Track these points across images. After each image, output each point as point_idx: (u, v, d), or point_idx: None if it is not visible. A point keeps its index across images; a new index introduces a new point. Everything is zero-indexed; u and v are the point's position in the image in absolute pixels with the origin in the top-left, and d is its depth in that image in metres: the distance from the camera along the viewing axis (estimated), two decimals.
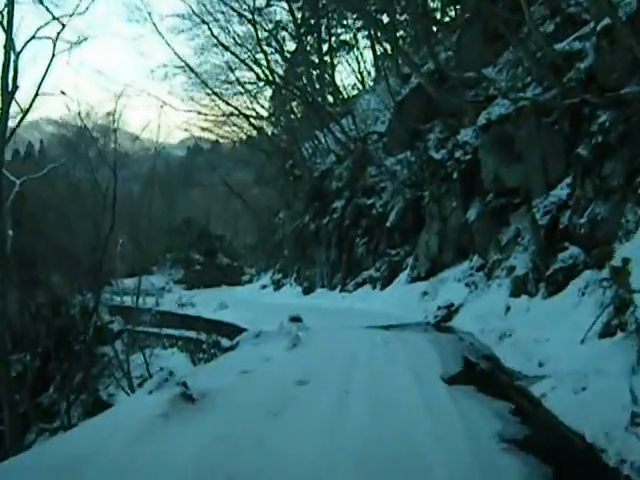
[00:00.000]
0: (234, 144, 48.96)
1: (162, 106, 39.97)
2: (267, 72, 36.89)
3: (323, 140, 33.94)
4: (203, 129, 44.16)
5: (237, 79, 36.83)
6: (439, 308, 18.82)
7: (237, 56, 35.64)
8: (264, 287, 41.18)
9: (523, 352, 10.94)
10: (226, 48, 35.18)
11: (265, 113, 40.30)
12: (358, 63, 53.02)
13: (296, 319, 16.25)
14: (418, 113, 25.77)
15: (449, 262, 22.97)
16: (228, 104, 38.22)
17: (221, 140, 52.34)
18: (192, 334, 25.73)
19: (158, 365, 22.63)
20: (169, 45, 61.88)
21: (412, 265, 24.66)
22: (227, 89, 38.40)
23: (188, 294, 43.85)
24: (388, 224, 26.88)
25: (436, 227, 23.42)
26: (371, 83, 40.19)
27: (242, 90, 37.73)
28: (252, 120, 39.55)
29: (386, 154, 29.05)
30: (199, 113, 39.82)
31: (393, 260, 26.25)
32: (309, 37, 38.77)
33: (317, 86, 37.85)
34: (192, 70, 36.15)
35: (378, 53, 38.62)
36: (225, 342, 21.12)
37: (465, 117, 22.00)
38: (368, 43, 38.98)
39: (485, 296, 17.67)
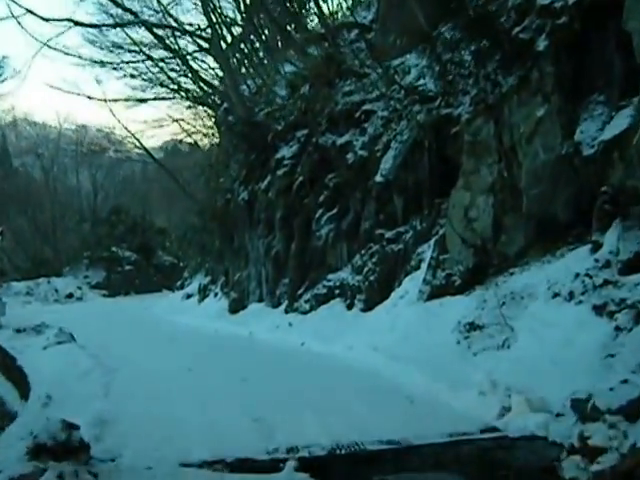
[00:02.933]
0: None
1: None
2: None
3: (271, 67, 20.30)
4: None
5: None
6: None
7: None
8: (189, 296, 27.78)
9: None
10: None
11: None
12: None
13: None
14: None
15: (525, 251, 9.80)
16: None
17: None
18: None
19: None
20: None
21: (432, 261, 11.46)
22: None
23: (77, 308, 30.21)
24: (378, 179, 13.54)
25: (489, 176, 10.33)
26: None
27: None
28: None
29: (374, 59, 15.47)
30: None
31: (388, 251, 13.01)
32: None
33: None
34: None
35: None
36: None
37: None
38: None
39: None
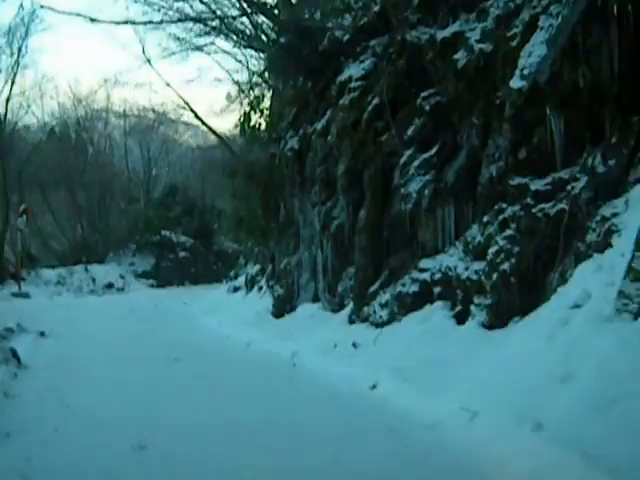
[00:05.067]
0: None
1: None
2: None
3: None
4: None
5: None
6: None
7: None
8: (236, 290, 22.24)
9: None
10: None
11: None
12: None
13: None
14: None
15: None
16: None
17: None
18: None
19: None
20: None
21: None
22: None
23: (104, 302, 25.35)
24: (517, 84, 7.30)
25: None
26: None
27: None
28: None
29: None
30: None
31: (538, 217, 6.87)
32: None
33: None
34: None
35: None
36: None
37: None
38: None
39: None
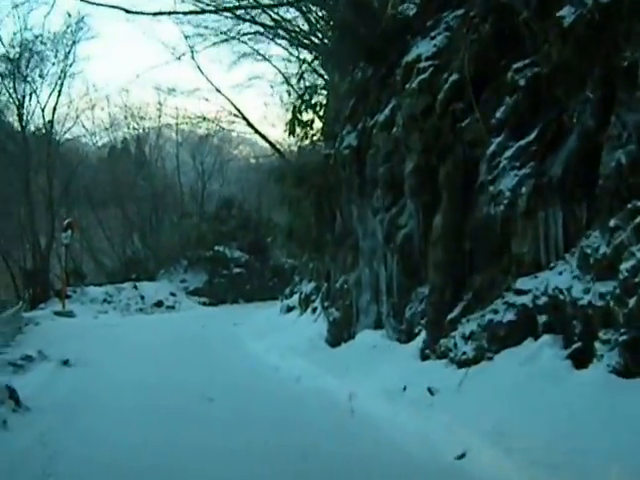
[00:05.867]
0: None
1: None
2: None
3: None
4: None
5: None
6: None
7: None
8: (289, 309, 20.42)
9: None
10: None
11: None
12: None
13: None
14: None
15: None
16: None
17: None
18: None
19: None
20: None
21: None
22: None
23: (147, 322, 23.97)
24: None
25: None
26: None
27: None
28: None
29: None
30: None
31: None
32: None
33: None
34: None
35: None
36: None
37: None
38: None
39: None
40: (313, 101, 13.19)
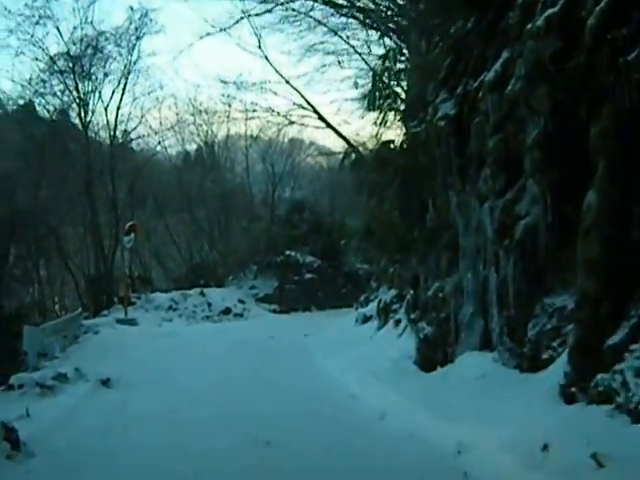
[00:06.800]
0: None
1: None
2: None
3: None
4: None
5: None
6: None
7: None
8: (366, 319, 18.28)
9: None
10: None
11: None
12: None
13: None
14: None
15: None
16: None
17: None
18: None
19: None
20: None
21: None
22: None
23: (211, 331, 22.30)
24: None
25: None
26: None
27: None
28: None
29: None
30: None
31: None
32: None
33: None
34: None
35: None
36: None
37: None
38: None
39: None
40: (396, 67, 10.99)
